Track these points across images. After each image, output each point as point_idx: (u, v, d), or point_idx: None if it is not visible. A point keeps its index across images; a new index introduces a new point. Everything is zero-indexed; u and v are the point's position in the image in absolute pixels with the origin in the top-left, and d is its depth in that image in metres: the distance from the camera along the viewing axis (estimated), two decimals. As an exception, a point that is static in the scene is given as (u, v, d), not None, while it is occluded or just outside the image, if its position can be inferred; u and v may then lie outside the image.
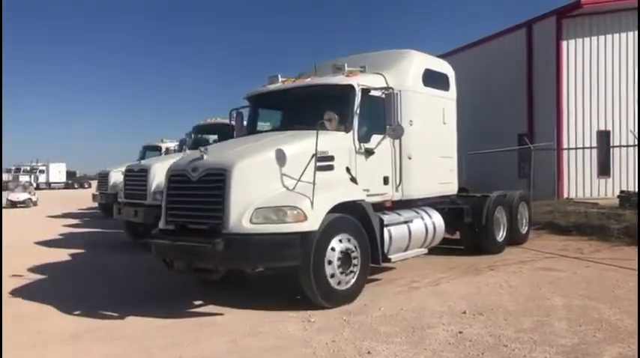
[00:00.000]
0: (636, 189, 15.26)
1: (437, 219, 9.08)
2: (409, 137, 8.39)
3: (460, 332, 5.52)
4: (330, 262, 6.66)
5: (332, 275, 6.69)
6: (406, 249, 8.29)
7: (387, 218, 7.86)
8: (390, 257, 7.76)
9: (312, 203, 6.44)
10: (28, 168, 60.88)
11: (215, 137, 13.61)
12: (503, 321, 5.88)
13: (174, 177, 7.04)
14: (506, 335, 5.38)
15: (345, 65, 7.96)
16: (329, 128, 6.84)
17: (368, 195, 7.69)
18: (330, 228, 6.68)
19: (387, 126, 7.68)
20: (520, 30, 20.21)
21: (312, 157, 6.64)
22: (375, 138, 7.87)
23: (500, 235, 10.96)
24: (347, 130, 7.57)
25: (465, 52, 22.49)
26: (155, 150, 19.73)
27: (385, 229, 7.71)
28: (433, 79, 9.16)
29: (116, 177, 17.15)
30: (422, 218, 8.74)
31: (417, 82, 8.75)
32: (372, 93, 7.89)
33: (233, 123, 10.99)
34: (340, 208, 6.97)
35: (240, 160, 6.59)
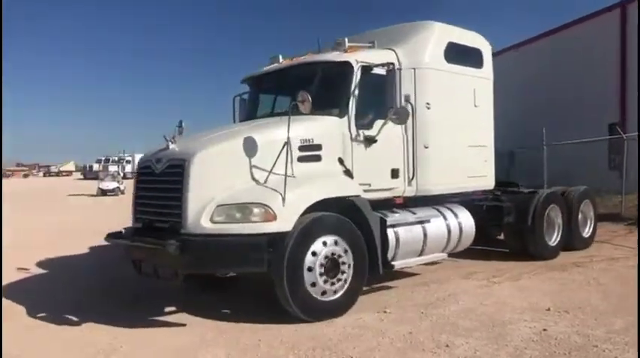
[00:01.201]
0: None
1: (464, 219, 7.77)
2: (426, 122, 7.22)
3: (544, 330, 5.24)
4: (310, 269, 5.67)
5: (313, 284, 5.70)
6: (421, 254, 7.10)
7: (393, 217, 6.71)
8: (393, 263, 6.60)
9: (283, 199, 5.47)
10: (116, 159, 64.17)
11: None
12: (593, 321, 5.49)
13: (142, 169, 6.35)
14: (596, 336, 5.04)
15: (346, 40, 6.87)
16: (303, 111, 5.84)
17: (368, 191, 6.60)
18: (310, 229, 5.69)
19: (390, 109, 6.49)
20: (611, 12, 18.56)
21: (288, 146, 5.66)
22: (380, 124, 6.73)
23: (554, 238, 9.38)
24: (341, 115, 6.50)
25: (542, 40, 21.44)
26: None
27: (390, 230, 6.57)
28: (460, 55, 7.82)
29: None
30: (444, 217, 7.48)
31: (437, 58, 7.46)
32: (377, 71, 6.76)
33: None
34: (328, 205, 5.96)
35: (202, 149, 5.74)
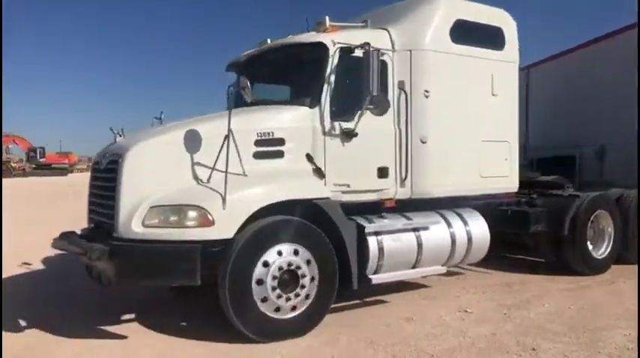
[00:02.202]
0: None
1: (476, 227, 6.65)
2: (423, 113, 6.21)
3: (641, 338, 4.87)
4: (260, 282, 4.91)
5: (264, 299, 4.94)
6: (415, 266, 6.11)
7: (376, 223, 5.77)
8: (370, 277, 5.67)
9: (223, 201, 4.74)
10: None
11: None
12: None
13: (93, 164, 5.86)
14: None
15: (327, 19, 5.98)
16: (246, 99, 5.04)
17: (347, 192, 5.75)
18: (261, 236, 4.95)
19: (367, 98, 5.54)
20: None
21: (228, 140, 4.90)
22: (363, 115, 5.79)
23: (602, 250, 8.00)
24: (312, 105, 5.64)
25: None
26: None
27: (371, 238, 5.66)
28: (474, 34, 6.66)
29: None
30: (448, 224, 6.41)
31: (441, 38, 6.36)
32: (356, 54, 5.78)
33: None
34: (292, 209, 5.18)
35: (137, 144, 5.12)
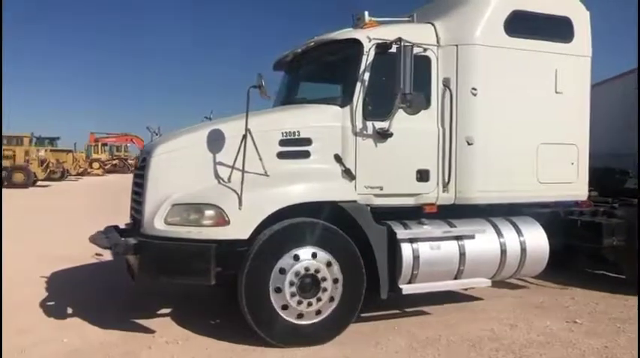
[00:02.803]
0: None
1: (533, 238, 6.04)
2: (470, 112, 5.77)
3: None
4: (278, 289, 4.81)
5: (284, 307, 4.83)
6: (456, 277, 5.68)
7: (411, 230, 5.44)
8: (401, 286, 5.34)
9: (239, 201, 4.69)
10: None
11: None
12: None
13: (139, 162, 6.05)
14: None
15: (366, 14, 5.71)
16: (262, 97, 4.93)
17: (379, 195, 5.47)
18: (277, 240, 4.86)
19: (400, 96, 5.20)
20: None
21: (246, 139, 4.84)
22: (404, 114, 5.44)
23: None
24: (343, 103, 5.42)
25: None
26: None
27: (405, 245, 5.35)
28: (533, 26, 6.03)
29: None
30: (499, 234, 5.89)
31: (493, 32, 5.83)
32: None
33: None
34: (316, 211, 5.03)
35: (163, 143, 5.23)
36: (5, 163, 26.81)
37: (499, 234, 5.90)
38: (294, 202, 4.88)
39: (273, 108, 5.64)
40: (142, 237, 4.94)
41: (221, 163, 5.01)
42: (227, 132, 4.94)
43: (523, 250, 5.96)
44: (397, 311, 6.14)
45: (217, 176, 5.02)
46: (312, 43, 5.96)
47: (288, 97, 6.34)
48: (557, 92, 6.14)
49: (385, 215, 5.60)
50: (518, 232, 6.01)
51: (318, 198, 5.04)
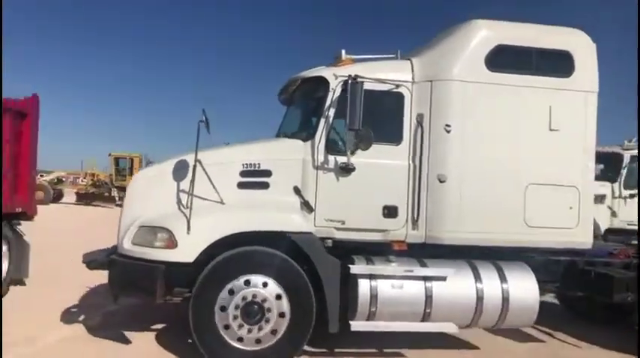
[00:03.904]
0: None
1: (517, 286, 5.63)
2: (443, 149, 5.59)
3: None
4: (223, 308, 5.07)
5: (226, 327, 5.07)
6: (423, 320, 5.46)
7: (370, 266, 5.39)
8: (350, 322, 5.27)
9: (188, 226, 5.06)
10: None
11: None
12: None
13: None
14: None
15: (343, 52, 5.88)
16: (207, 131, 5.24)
17: (341, 229, 5.50)
18: (230, 264, 5.15)
19: (349, 132, 5.26)
20: None
21: (196, 169, 5.21)
22: (372, 149, 5.47)
23: None
24: (306, 138, 5.59)
25: None
26: None
27: (363, 281, 5.33)
28: (522, 60, 5.72)
29: None
30: (477, 278, 5.57)
31: (473, 67, 5.62)
32: (372, 87, 5.54)
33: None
34: (274, 241, 5.24)
35: (144, 170, 5.78)
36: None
37: (477, 278, 5.58)
38: (239, 230, 5.12)
39: (245, 141, 5.95)
40: (116, 256, 5.48)
41: (183, 191, 5.42)
42: (191, 162, 5.36)
43: (505, 298, 5.55)
44: (374, 350, 6.03)
45: (179, 202, 5.44)
46: (292, 79, 6.23)
47: (279, 130, 6.62)
48: (551, 129, 5.72)
49: (359, 250, 5.62)
50: (502, 278, 5.62)
51: (264, 228, 5.22)
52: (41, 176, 30.32)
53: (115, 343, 5.77)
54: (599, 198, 11.11)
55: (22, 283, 7.99)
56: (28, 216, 8.18)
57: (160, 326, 6.51)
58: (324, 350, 5.89)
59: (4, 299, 7.06)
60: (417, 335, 5.71)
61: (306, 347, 5.75)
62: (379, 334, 5.80)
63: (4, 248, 7.47)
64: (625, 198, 11.23)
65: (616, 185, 11.26)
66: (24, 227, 8.08)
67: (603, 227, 10.78)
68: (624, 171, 11.33)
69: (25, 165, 8.02)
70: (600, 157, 11.78)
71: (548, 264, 6.26)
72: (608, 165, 11.48)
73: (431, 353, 6.04)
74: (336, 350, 5.91)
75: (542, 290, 6.30)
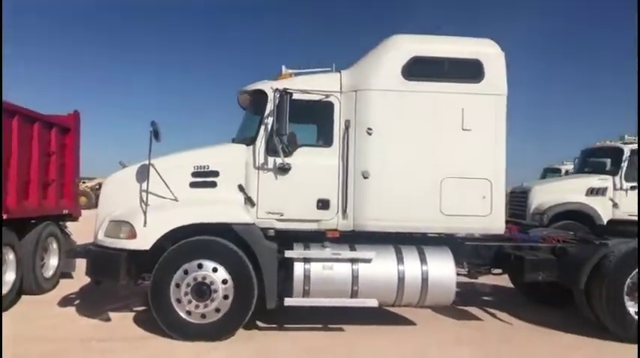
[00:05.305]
0: None
1: (437, 268, 6.41)
2: (366, 149, 6.47)
3: None
4: (177, 285, 6.05)
5: (178, 301, 6.05)
6: (352, 296, 6.33)
7: (304, 251, 6.29)
8: (285, 299, 6.19)
9: (145, 220, 6.05)
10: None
11: (608, 161, 12.58)
12: None
13: None
14: None
15: (283, 67, 6.81)
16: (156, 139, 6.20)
17: (281, 220, 6.42)
18: (183, 250, 6.11)
19: (276, 136, 6.19)
20: None
21: (149, 171, 6.20)
22: (301, 151, 6.42)
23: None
24: (249, 143, 6.54)
25: None
26: (555, 171, 19.26)
27: (298, 264, 6.24)
28: (436, 69, 6.54)
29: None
30: (400, 261, 6.40)
31: (391, 77, 6.46)
32: (305, 97, 6.46)
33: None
34: (223, 231, 6.19)
35: (115, 173, 6.80)
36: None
37: (400, 261, 6.39)
38: (188, 222, 6.08)
39: (198, 146, 6.93)
40: (92, 246, 6.53)
41: (144, 190, 6.40)
42: (159, 167, 6.33)
43: (424, 279, 6.34)
44: (319, 326, 6.89)
45: (141, 200, 6.43)
46: (238, 92, 7.17)
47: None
48: (464, 129, 6.51)
49: (300, 239, 6.51)
50: (423, 261, 6.42)
51: (209, 219, 6.16)
52: (83, 183, 31.92)
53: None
54: (601, 191, 11.86)
55: (70, 276, 9.15)
56: (74, 217, 9.39)
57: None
58: (274, 326, 6.81)
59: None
60: (357, 313, 6.64)
61: (258, 323, 6.75)
62: (326, 312, 6.71)
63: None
64: (626, 190, 11.84)
65: (617, 178, 11.87)
66: (71, 228, 9.34)
67: (605, 218, 11.63)
68: (624, 165, 11.89)
69: (69, 174, 9.20)
70: (602, 151, 12.71)
71: (480, 249, 7.09)
72: (609, 159, 12.25)
73: (370, 328, 6.82)
74: (286, 325, 6.81)
75: (476, 272, 7.18)
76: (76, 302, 7.76)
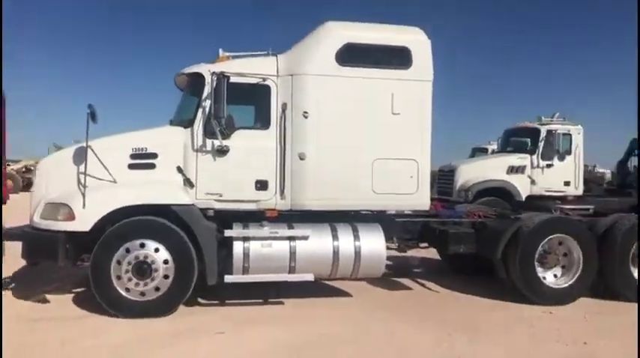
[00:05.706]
0: None
1: (369, 243, 6.83)
2: (302, 132, 6.76)
3: None
4: (119, 263, 6.14)
5: (118, 277, 6.15)
6: (290, 272, 6.65)
7: (243, 230, 6.52)
8: (226, 276, 6.44)
9: (84, 202, 6.09)
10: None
11: (527, 140, 13.51)
12: None
13: None
14: None
15: (220, 50, 6.94)
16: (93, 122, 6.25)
17: (220, 201, 6.62)
18: (124, 230, 6.19)
19: (212, 121, 6.39)
20: None
21: (86, 153, 6.24)
22: (239, 134, 6.63)
23: (563, 279, 7.33)
24: (187, 125, 6.66)
25: None
26: (483, 151, 20.18)
27: (237, 243, 6.48)
28: (368, 55, 6.89)
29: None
30: (334, 237, 6.77)
31: (325, 62, 6.76)
32: (242, 80, 6.63)
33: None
34: (163, 212, 6.31)
35: (49, 156, 6.77)
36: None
37: (335, 237, 6.78)
38: (127, 204, 6.18)
39: (137, 129, 6.98)
40: (27, 228, 6.49)
41: (81, 172, 6.42)
42: (94, 147, 6.35)
43: (357, 253, 6.77)
44: (260, 300, 7.17)
45: (78, 182, 6.44)
46: (176, 75, 7.25)
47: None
48: (393, 113, 6.93)
49: (241, 218, 6.74)
50: (356, 237, 6.83)
51: (147, 200, 6.27)
52: (8, 165, 30.70)
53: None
54: (520, 169, 12.83)
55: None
56: (2, 201, 9.01)
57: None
58: (215, 302, 7.05)
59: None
60: (297, 287, 7.01)
61: (200, 300, 6.97)
62: (266, 287, 7.05)
63: None
64: (542, 168, 12.94)
65: (534, 157, 12.96)
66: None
67: (524, 194, 12.72)
68: (541, 144, 13.03)
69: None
70: (522, 131, 13.72)
71: (408, 225, 7.60)
72: (529, 139, 13.38)
73: (309, 301, 7.20)
74: (227, 301, 7.07)
75: (405, 246, 7.69)
76: (11, 286, 7.65)
